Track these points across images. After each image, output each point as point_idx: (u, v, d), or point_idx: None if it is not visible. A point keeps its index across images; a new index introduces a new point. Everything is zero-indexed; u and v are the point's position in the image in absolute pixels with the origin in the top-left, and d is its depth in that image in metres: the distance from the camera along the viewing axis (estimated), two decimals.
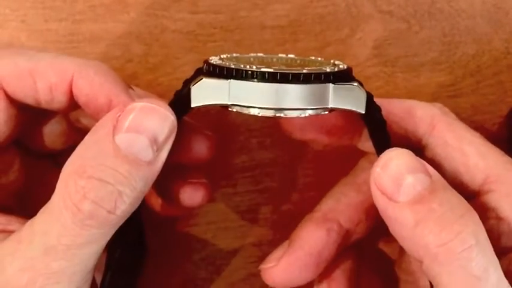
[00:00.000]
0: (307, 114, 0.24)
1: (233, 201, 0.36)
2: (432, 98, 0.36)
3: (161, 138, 0.23)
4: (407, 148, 0.25)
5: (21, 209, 0.28)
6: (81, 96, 0.26)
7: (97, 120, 0.26)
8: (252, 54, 0.28)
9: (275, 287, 0.29)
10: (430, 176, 0.23)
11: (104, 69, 0.26)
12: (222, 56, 0.26)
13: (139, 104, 0.23)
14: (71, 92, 0.26)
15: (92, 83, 0.26)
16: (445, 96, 0.36)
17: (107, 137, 0.22)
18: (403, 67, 0.36)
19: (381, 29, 0.35)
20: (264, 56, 0.28)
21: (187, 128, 0.27)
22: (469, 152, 0.27)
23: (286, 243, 0.29)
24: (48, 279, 0.23)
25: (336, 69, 0.24)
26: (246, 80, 0.23)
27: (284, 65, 0.26)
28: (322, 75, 0.23)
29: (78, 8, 0.32)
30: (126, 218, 0.23)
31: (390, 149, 0.24)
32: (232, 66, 0.23)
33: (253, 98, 0.23)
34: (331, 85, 0.24)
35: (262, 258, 0.29)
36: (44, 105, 0.27)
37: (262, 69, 0.23)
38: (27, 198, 0.29)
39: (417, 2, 0.35)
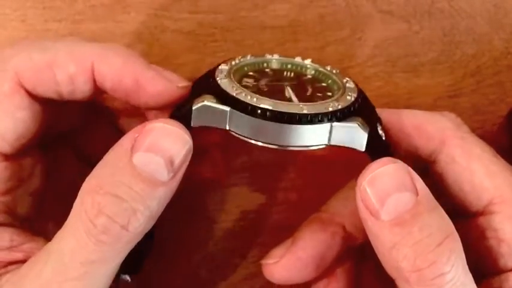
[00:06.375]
0: (306, 149, 0.24)
1: (233, 201, 0.36)
2: (432, 98, 0.36)
3: (177, 160, 0.23)
4: (416, 162, 0.24)
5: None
6: (105, 82, 0.25)
7: (126, 102, 0.26)
8: (268, 57, 0.27)
9: (274, 282, 0.29)
10: (417, 194, 0.23)
11: (122, 50, 0.26)
12: (233, 63, 0.26)
13: (157, 125, 0.23)
14: (93, 80, 0.26)
15: (114, 67, 0.25)
16: (445, 96, 0.36)
17: (125, 156, 0.23)
18: (403, 67, 0.36)
19: (381, 29, 0.35)
20: (280, 59, 0.27)
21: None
22: (476, 171, 0.26)
23: (289, 241, 0.29)
24: None
25: (340, 106, 0.24)
26: (244, 113, 0.23)
27: (296, 75, 0.26)
28: (320, 116, 0.23)
29: (78, 8, 0.32)
30: (138, 239, 0.23)
31: (380, 161, 0.23)
32: (234, 94, 0.24)
33: (249, 131, 0.24)
34: (329, 125, 0.23)
35: (262, 258, 0.29)
36: (66, 96, 0.26)
37: (261, 106, 0.23)
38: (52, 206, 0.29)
39: (417, 2, 0.35)
